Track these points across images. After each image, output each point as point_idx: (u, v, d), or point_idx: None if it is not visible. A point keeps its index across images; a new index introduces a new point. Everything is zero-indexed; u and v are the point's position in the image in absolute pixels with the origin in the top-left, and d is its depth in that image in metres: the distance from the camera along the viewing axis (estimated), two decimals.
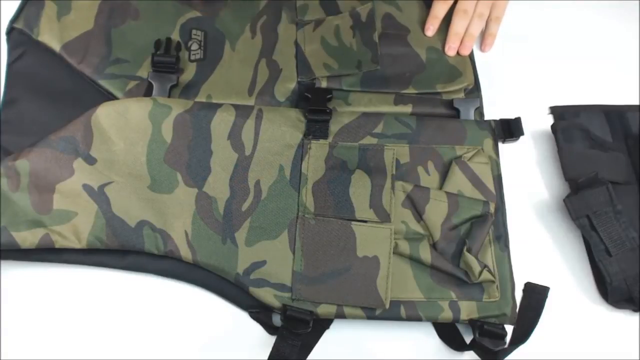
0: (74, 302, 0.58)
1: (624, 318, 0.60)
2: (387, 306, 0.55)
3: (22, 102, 0.63)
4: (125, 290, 0.58)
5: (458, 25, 0.70)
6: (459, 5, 0.71)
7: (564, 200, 0.61)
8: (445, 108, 0.66)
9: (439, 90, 0.66)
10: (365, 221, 0.58)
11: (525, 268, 0.60)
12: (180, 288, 0.59)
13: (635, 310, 0.60)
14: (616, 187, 0.62)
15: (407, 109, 0.65)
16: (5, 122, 0.62)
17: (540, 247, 0.64)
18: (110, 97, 0.63)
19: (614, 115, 0.69)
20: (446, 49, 0.69)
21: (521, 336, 0.55)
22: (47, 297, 0.58)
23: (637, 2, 0.79)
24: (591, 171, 0.62)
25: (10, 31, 0.66)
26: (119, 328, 0.57)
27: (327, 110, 0.62)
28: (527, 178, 0.67)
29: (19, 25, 0.66)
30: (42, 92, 0.64)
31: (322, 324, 0.57)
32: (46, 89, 0.64)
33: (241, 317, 0.58)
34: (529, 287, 0.59)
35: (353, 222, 0.57)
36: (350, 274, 0.56)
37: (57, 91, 0.64)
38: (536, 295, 0.58)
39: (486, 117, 0.67)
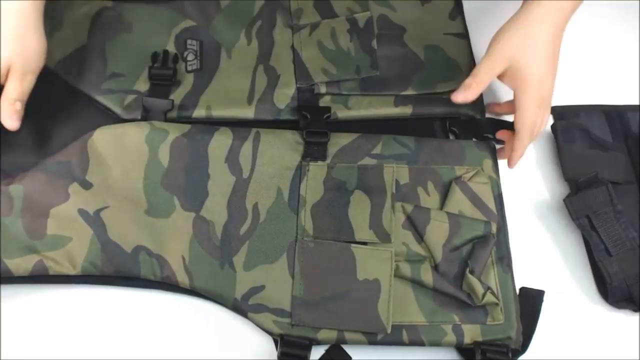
0: (74, 319, 0.56)
1: (624, 318, 0.61)
2: (389, 331, 0.53)
3: None
4: (126, 306, 0.57)
5: (522, 144, 0.60)
6: (527, 121, 0.59)
7: (564, 201, 0.61)
8: (446, 107, 0.65)
9: (438, 91, 0.66)
10: (365, 243, 0.57)
11: (526, 268, 0.60)
12: (180, 300, 0.58)
13: (635, 310, 0.60)
14: (616, 187, 0.62)
15: (408, 110, 0.65)
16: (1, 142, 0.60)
17: (540, 247, 0.64)
18: (109, 112, 0.62)
19: (614, 115, 0.69)
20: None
21: (521, 346, 0.55)
22: (46, 316, 0.56)
23: (637, 2, 0.78)
24: (591, 171, 0.62)
25: None
26: (122, 345, 0.56)
27: (326, 132, 0.61)
28: (527, 178, 0.67)
29: None
30: (38, 110, 0.61)
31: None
32: (42, 107, 0.61)
33: (245, 326, 0.57)
34: (524, 292, 0.58)
35: (353, 245, 0.56)
36: (351, 298, 0.55)
37: (54, 109, 0.62)
38: (531, 300, 0.57)
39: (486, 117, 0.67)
